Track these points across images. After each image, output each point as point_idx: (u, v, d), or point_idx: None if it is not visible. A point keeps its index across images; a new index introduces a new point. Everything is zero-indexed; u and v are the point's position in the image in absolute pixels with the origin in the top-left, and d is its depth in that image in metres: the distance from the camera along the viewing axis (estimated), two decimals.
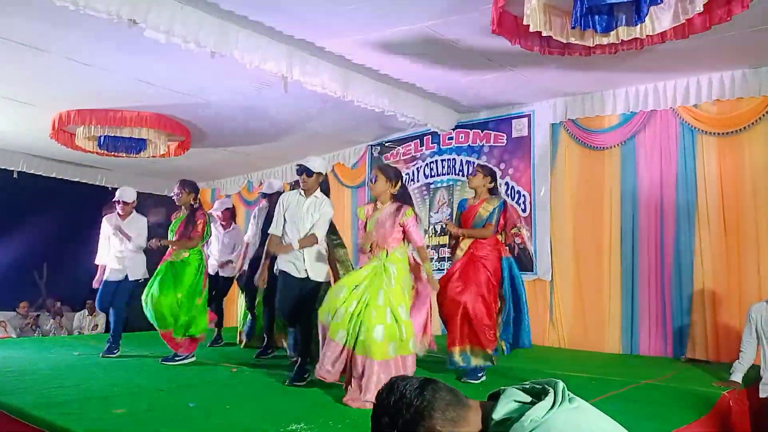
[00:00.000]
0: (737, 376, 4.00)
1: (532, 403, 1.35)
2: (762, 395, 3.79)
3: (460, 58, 5.23)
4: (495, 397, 1.43)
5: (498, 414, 1.37)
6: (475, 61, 5.31)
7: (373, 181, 4.04)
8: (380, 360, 3.51)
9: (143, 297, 5.08)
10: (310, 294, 4.20)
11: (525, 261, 6.48)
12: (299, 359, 4.22)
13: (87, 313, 9.37)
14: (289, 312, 4.24)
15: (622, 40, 3.77)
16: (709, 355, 5.19)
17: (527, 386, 1.44)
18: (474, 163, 6.96)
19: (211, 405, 3.48)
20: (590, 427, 1.33)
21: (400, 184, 4.03)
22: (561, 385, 1.39)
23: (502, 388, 1.44)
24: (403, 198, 4.00)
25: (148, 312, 5.03)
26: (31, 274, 10.14)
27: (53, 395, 3.63)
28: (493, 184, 4.60)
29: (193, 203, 5.27)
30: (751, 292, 4.93)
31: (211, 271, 6.14)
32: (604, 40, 3.81)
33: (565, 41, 3.88)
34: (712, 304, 5.28)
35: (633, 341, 5.71)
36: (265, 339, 5.58)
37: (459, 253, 4.51)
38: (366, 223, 4.03)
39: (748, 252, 5.14)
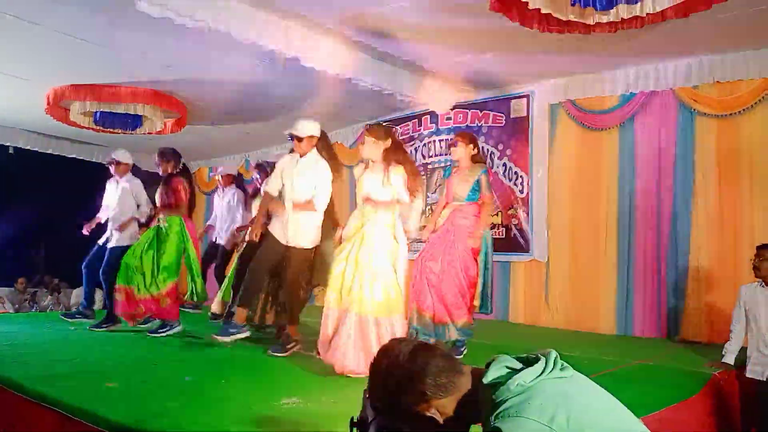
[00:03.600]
0: (729, 358, 4.01)
1: (522, 370, 1.36)
2: (748, 375, 3.80)
3: (459, 36, 5.17)
4: (490, 365, 1.43)
5: (487, 378, 1.37)
6: (474, 40, 5.26)
7: (363, 143, 4.03)
8: (375, 317, 3.63)
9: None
10: (290, 261, 4.28)
11: (521, 242, 6.49)
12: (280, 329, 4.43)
13: None
14: (261, 274, 4.33)
15: (622, 18, 3.72)
16: (703, 336, 5.22)
17: (522, 356, 1.44)
18: None
19: (207, 379, 3.50)
20: (579, 396, 1.32)
21: (391, 140, 3.97)
22: (554, 354, 1.39)
23: (496, 355, 1.44)
24: (396, 155, 3.94)
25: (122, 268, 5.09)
26: (29, 250, 10.15)
27: (47, 368, 3.65)
28: (475, 151, 4.55)
29: (172, 171, 5.26)
30: (746, 274, 4.90)
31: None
32: (604, 18, 3.77)
33: (564, 19, 3.83)
34: (707, 286, 5.30)
35: (627, 322, 5.73)
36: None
37: (440, 221, 4.53)
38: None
39: (744, 235, 5.14)
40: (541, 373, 1.34)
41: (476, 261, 4.40)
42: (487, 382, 1.36)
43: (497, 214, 6.69)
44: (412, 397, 1.35)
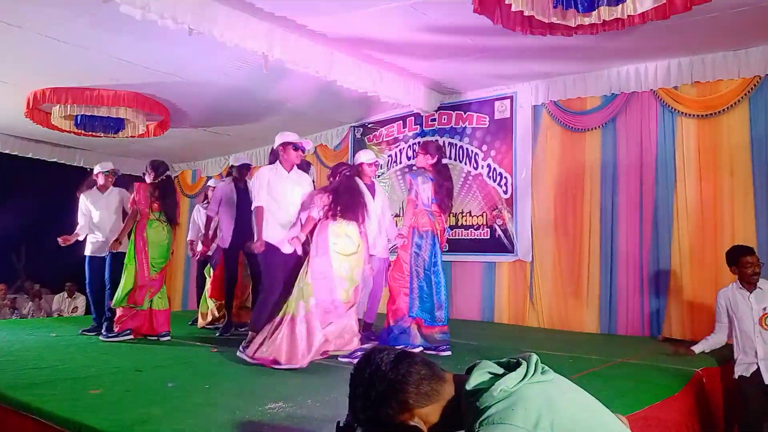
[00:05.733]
0: (697, 348, 4.14)
1: (505, 375, 1.36)
2: (736, 375, 3.86)
3: (443, 38, 5.19)
4: (471, 371, 1.43)
5: (470, 385, 1.36)
6: (458, 42, 5.27)
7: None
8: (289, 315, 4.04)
9: None
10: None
11: (505, 242, 6.52)
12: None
13: (66, 295, 9.28)
14: None
15: (603, 20, 3.75)
16: (686, 334, 5.28)
17: (503, 361, 1.44)
18: (456, 145, 6.97)
19: (191, 385, 3.47)
20: (561, 399, 1.33)
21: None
22: (534, 357, 1.39)
23: (477, 361, 1.44)
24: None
25: None
26: (9, 256, 10.01)
27: (29, 376, 3.60)
28: (435, 160, 4.70)
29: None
30: (727, 272, 4.94)
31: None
32: (586, 20, 3.80)
33: (546, 21, 3.86)
34: (689, 285, 5.37)
35: (611, 321, 5.78)
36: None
37: None
38: None
39: (725, 233, 5.21)
40: (524, 377, 1.33)
41: (404, 264, 4.60)
42: (470, 388, 1.36)
43: (482, 215, 6.73)
44: (394, 406, 1.34)
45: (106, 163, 5.85)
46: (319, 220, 4.26)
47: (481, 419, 1.27)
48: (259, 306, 4.40)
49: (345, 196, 4.30)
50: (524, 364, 1.37)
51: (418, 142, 7.34)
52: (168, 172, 5.50)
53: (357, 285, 4.25)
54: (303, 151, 4.57)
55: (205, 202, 6.86)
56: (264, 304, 4.34)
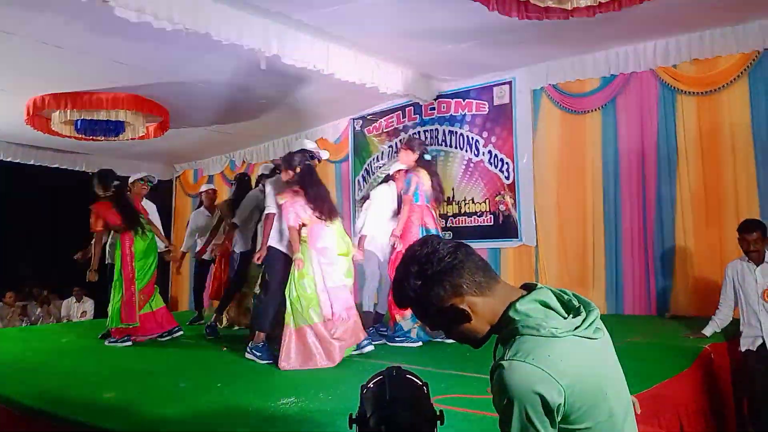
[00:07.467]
0: (708, 330, 4.14)
1: (558, 314, 1.32)
2: (742, 349, 3.89)
3: (439, 26, 5.17)
4: (527, 289, 1.40)
5: (522, 305, 1.33)
6: (454, 29, 5.26)
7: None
8: (292, 328, 3.94)
9: None
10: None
11: (509, 228, 6.52)
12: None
13: (75, 300, 9.33)
14: None
15: (600, 2, 3.75)
16: (692, 311, 5.29)
17: (565, 297, 1.38)
18: (456, 132, 6.96)
19: (203, 384, 3.50)
20: (600, 368, 1.30)
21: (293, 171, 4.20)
22: (596, 312, 1.34)
23: (538, 284, 1.41)
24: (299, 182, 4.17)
25: None
26: (17, 263, 10.05)
27: (42, 382, 3.63)
28: (417, 156, 4.73)
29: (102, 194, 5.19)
30: (731, 248, 4.97)
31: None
32: (582, 3, 3.79)
33: (543, 5, 3.85)
34: (694, 262, 5.37)
35: (618, 301, 5.79)
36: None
37: None
38: None
39: (728, 209, 5.21)
40: (576, 328, 1.29)
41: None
42: (521, 308, 1.32)
43: (485, 202, 6.73)
44: (447, 288, 1.35)
45: (141, 173, 5.89)
46: (302, 226, 4.08)
47: (515, 351, 1.24)
48: (264, 306, 4.37)
49: (312, 191, 4.13)
50: (583, 314, 1.33)
51: (418, 132, 7.35)
52: (117, 182, 5.25)
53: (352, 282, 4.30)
54: (319, 161, 4.46)
55: (201, 207, 6.92)
56: (267, 305, 4.32)
